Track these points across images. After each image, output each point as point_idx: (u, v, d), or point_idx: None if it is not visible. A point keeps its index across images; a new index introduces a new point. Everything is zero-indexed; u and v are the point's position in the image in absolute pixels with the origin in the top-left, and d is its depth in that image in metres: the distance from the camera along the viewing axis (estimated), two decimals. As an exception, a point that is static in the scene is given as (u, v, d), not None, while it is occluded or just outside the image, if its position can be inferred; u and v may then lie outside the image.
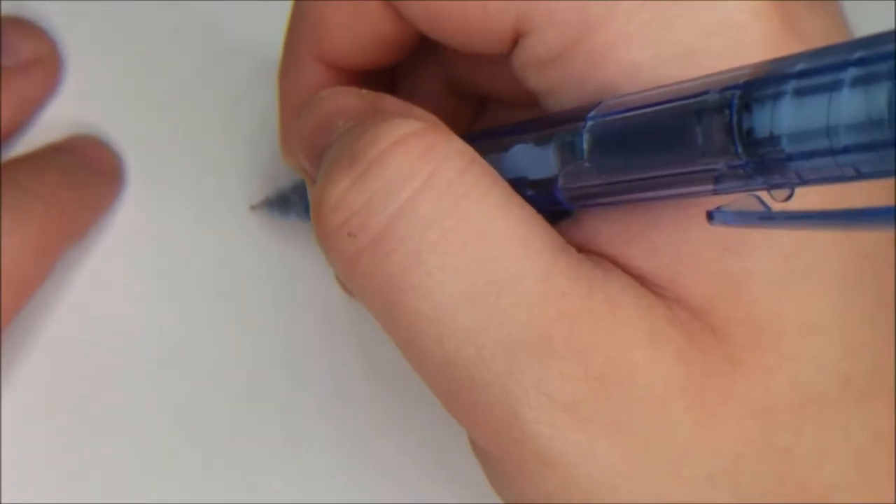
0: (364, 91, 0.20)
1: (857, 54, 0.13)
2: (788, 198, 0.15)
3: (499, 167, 0.19)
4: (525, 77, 0.20)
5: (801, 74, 0.14)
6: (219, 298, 0.29)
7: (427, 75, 0.25)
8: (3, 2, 0.29)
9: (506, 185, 0.18)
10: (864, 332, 0.19)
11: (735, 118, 0.15)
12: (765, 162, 0.14)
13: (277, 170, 0.28)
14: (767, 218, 0.15)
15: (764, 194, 0.15)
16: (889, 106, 0.12)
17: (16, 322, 0.27)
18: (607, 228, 0.19)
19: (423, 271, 0.18)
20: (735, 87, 0.15)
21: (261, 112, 0.29)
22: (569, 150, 0.18)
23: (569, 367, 0.17)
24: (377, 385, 0.28)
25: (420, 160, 0.18)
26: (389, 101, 0.20)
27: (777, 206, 0.15)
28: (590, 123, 0.17)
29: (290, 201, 0.27)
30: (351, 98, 0.20)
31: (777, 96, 0.14)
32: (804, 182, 0.14)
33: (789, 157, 0.14)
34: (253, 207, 0.29)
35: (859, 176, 0.13)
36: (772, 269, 0.18)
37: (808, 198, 0.15)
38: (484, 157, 0.19)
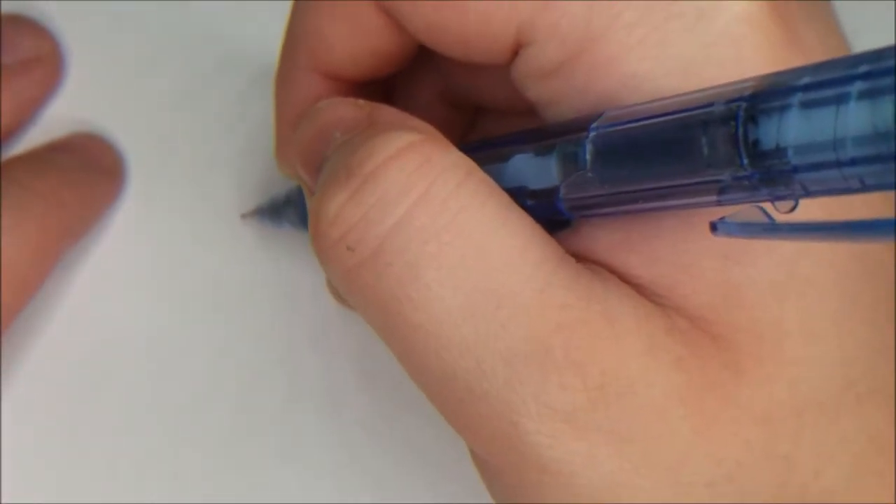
0: (362, 102, 0.20)
1: (863, 68, 0.13)
2: (792, 209, 0.15)
3: (498, 177, 0.19)
4: (524, 87, 0.20)
5: (807, 87, 0.14)
6: (219, 298, 0.29)
7: (422, 85, 0.25)
8: (4, 0, 0.29)
9: (504, 195, 0.18)
10: (864, 338, 0.19)
11: (741, 130, 0.15)
12: (770, 173, 0.14)
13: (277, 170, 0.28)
14: (771, 229, 0.15)
15: (767, 205, 0.15)
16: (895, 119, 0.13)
17: (16, 321, 0.27)
18: (607, 237, 0.19)
19: (421, 284, 0.18)
20: (740, 99, 0.15)
21: (261, 110, 0.29)
22: (571, 160, 0.18)
23: (568, 378, 0.17)
24: (371, 390, 0.28)
25: (416, 173, 0.18)
26: (387, 112, 0.20)
27: (781, 218, 0.15)
28: (592, 134, 0.17)
29: (283, 211, 0.27)
30: (349, 109, 0.20)
31: (783, 109, 0.14)
32: (809, 194, 0.14)
33: (795, 169, 0.14)
34: (244, 216, 0.29)
35: (864, 188, 0.14)
36: (772, 277, 0.18)
37: (810, 209, 0.15)
38: (483, 168, 0.19)
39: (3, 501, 0.27)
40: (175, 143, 0.29)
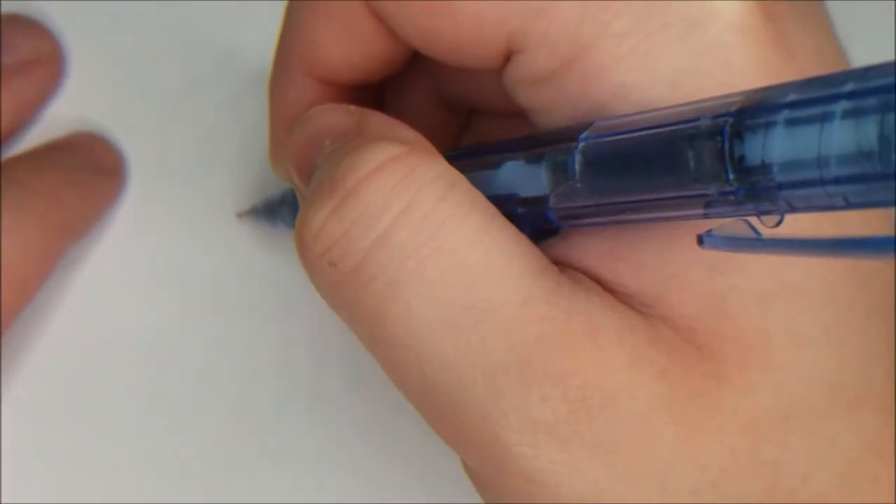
0: (352, 108, 0.20)
1: (848, 87, 0.13)
2: (778, 224, 0.15)
3: (489, 184, 0.19)
4: (515, 93, 0.20)
5: (792, 105, 0.14)
6: (218, 297, 0.29)
7: (415, 88, 0.25)
8: (4, 0, 0.29)
9: (488, 206, 0.18)
10: (854, 343, 0.19)
11: (727, 145, 0.15)
12: (755, 189, 0.15)
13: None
14: (757, 244, 0.15)
15: (754, 220, 0.15)
16: (879, 139, 0.13)
17: (16, 321, 0.27)
18: (595, 246, 0.19)
19: (401, 301, 0.18)
20: (727, 114, 0.15)
21: (260, 111, 0.29)
22: (560, 169, 0.18)
23: (548, 391, 0.18)
24: (366, 390, 0.28)
25: (398, 187, 0.18)
26: (376, 120, 0.20)
27: (767, 232, 0.15)
28: (582, 145, 0.17)
29: (278, 210, 0.27)
30: (340, 116, 0.20)
31: (769, 125, 0.14)
32: (794, 209, 0.14)
33: (780, 186, 0.14)
34: (239, 215, 0.29)
35: (848, 206, 0.14)
36: (759, 286, 0.18)
37: (799, 222, 0.15)
38: (474, 174, 0.19)
39: (3, 501, 0.27)
40: (174, 143, 0.29)
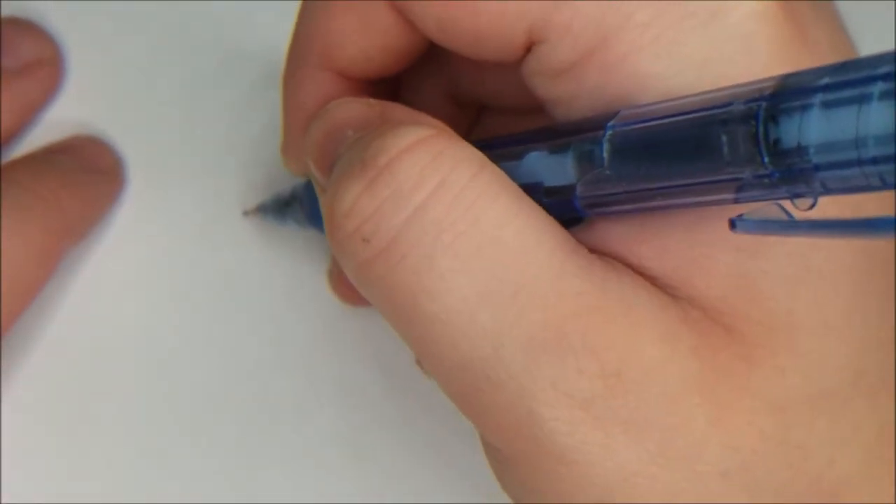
0: (373, 101, 0.20)
1: (883, 69, 0.14)
2: (811, 206, 0.15)
3: (513, 175, 0.19)
4: (535, 85, 0.21)
5: (827, 88, 0.14)
6: (220, 298, 0.29)
7: (426, 84, 0.25)
8: (3, 2, 0.29)
9: (516, 188, 0.18)
10: (875, 328, 0.19)
11: (762, 129, 0.15)
12: (791, 172, 0.15)
13: (279, 169, 0.28)
14: (790, 227, 0.15)
15: (786, 203, 0.16)
16: (917, 119, 0.13)
17: (16, 322, 0.27)
18: (620, 231, 0.19)
19: (436, 274, 0.18)
20: (761, 98, 0.15)
21: (262, 112, 0.29)
22: (587, 158, 0.18)
23: (585, 364, 0.18)
24: (377, 386, 0.29)
25: (431, 165, 0.18)
26: (399, 110, 0.20)
27: (799, 216, 0.15)
28: (609, 132, 0.18)
29: (287, 208, 0.27)
30: (361, 108, 0.20)
31: (805, 108, 0.14)
32: (828, 191, 0.15)
33: (817, 168, 0.14)
34: (246, 213, 0.29)
35: (884, 185, 0.14)
36: (785, 269, 0.19)
37: (822, 206, 0.16)
38: (496, 165, 0.19)
39: (3, 501, 0.27)
40: (175, 145, 0.29)
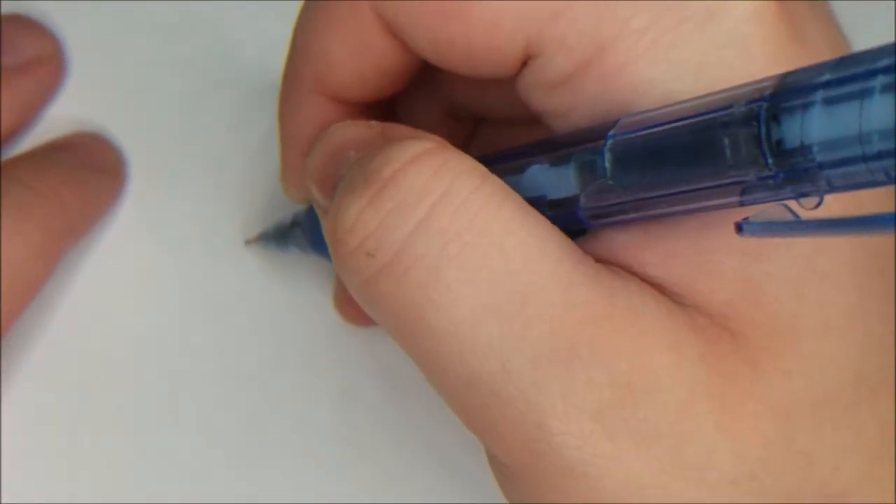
0: (373, 122, 0.20)
1: (883, 62, 0.13)
2: (818, 205, 0.15)
3: (515, 189, 0.19)
4: (532, 98, 0.20)
5: (828, 84, 0.14)
6: (220, 297, 0.29)
7: (421, 100, 0.25)
8: (4, 0, 0.29)
9: (520, 199, 0.18)
10: (877, 330, 0.19)
11: (764, 130, 0.15)
12: (795, 171, 0.15)
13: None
14: (797, 227, 0.15)
15: (792, 203, 0.15)
16: (922, 111, 0.13)
17: (17, 320, 0.27)
18: (624, 239, 0.19)
19: (442, 286, 0.18)
20: (761, 98, 0.15)
21: (264, 109, 0.29)
22: (588, 169, 0.18)
23: (595, 375, 0.18)
24: (378, 387, 0.29)
25: (434, 177, 0.18)
26: (400, 129, 0.20)
27: (805, 215, 0.15)
28: (610, 142, 0.17)
29: (290, 234, 0.27)
30: (362, 129, 0.20)
31: (806, 106, 0.14)
32: (833, 189, 0.15)
33: (821, 166, 0.14)
34: (248, 242, 0.29)
35: (889, 180, 0.14)
36: (790, 273, 0.18)
37: (830, 207, 0.15)
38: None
39: (3, 501, 0.27)
40: (176, 143, 0.29)
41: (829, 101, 0.14)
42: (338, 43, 0.21)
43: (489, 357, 0.18)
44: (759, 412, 0.18)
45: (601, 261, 0.19)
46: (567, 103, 0.20)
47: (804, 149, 0.14)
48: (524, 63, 0.20)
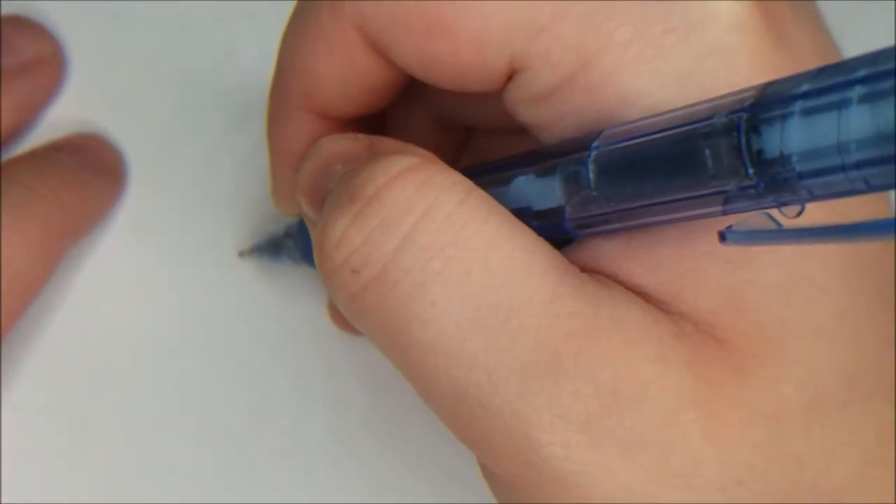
0: (360, 135, 0.21)
1: (861, 72, 0.14)
2: (799, 214, 0.15)
3: (501, 200, 0.19)
4: (518, 111, 0.21)
5: (807, 95, 0.14)
6: (220, 298, 0.29)
7: (411, 112, 0.25)
8: (4, 1, 0.29)
9: (505, 212, 0.19)
10: (868, 333, 0.19)
11: (744, 140, 0.15)
12: (776, 181, 0.15)
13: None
14: (780, 235, 0.15)
15: (774, 212, 0.16)
16: (897, 120, 0.13)
17: (17, 321, 0.27)
18: (609, 248, 0.19)
19: (427, 301, 0.18)
20: (741, 109, 0.15)
21: (261, 113, 0.29)
22: (573, 179, 0.18)
23: (580, 386, 0.18)
24: (373, 389, 0.29)
25: (418, 193, 0.18)
26: (386, 143, 0.20)
27: (787, 223, 0.16)
28: (594, 153, 0.18)
29: (283, 245, 0.27)
30: (348, 143, 0.20)
31: (785, 117, 0.14)
32: (814, 198, 0.15)
33: (801, 175, 0.14)
34: (241, 254, 0.29)
35: (869, 189, 0.14)
36: (775, 279, 0.18)
37: (812, 212, 0.16)
38: (485, 192, 0.19)
39: (3, 501, 0.27)
40: (175, 143, 0.30)
41: (807, 112, 0.14)
42: (323, 61, 0.22)
43: (475, 370, 0.18)
44: (747, 419, 0.18)
45: (587, 270, 0.19)
46: (553, 116, 0.20)
47: (784, 159, 0.14)
48: (510, 77, 0.20)
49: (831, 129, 0.14)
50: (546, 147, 0.20)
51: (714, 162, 0.15)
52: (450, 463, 0.28)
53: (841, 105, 0.14)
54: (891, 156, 0.13)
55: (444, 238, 0.18)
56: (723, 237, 0.16)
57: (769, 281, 0.19)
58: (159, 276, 0.29)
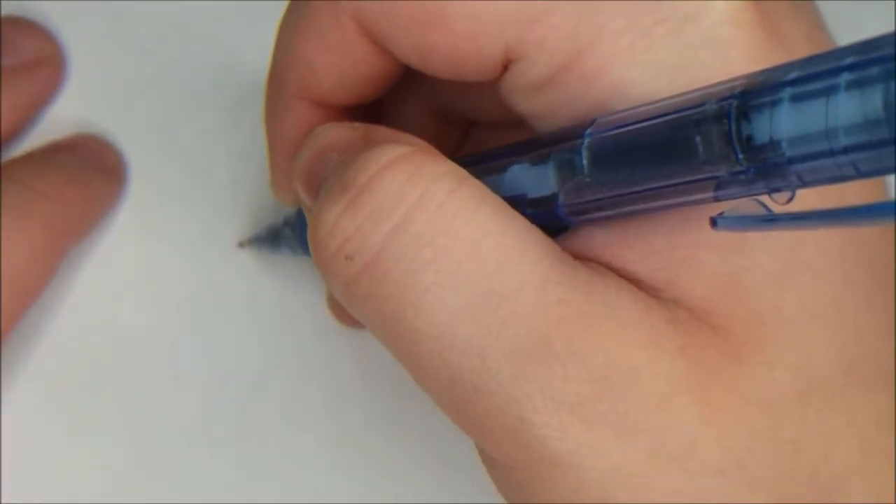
0: (357, 124, 0.21)
1: (849, 60, 0.14)
2: (789, 200, 0.15)
3: (496, 188, 0.19)
4: (514, 101, 0.21)
5: (796, 81, 0.14)
6: (220, 298, 0.29)
7: (412, 103, 0.26)
8: (4, 1, 0.29)
9: (498, 199, 0.19)
10: (864, 319, 0.19)
11: (734, 126, 0.15)
12: (766, 167, 0.15)
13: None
14: (770, 221, 0.16)
15: (765, 198, 0.16)
16: (885, 106, 0.13)
17: (18, 321, 0.27)
18: (603, 235, 0.19)
19: (420, 289, 0.18)
20: (731, 97, 0.15)
21: (261, 112, 0.29)
22: (567, 167, 0.18)
23: (572, 371, 0.18)
24: (373, 387, 0.29)
25: (409, 182, 0.18)
26: (382, 131, 0.21)
27: (778, 209, 0.16)
28: (588, 140, 0.18)
29: (282, 235, 0.27)
30: (344, 131, 0.21)
31: (774, 103, 0.15)
32: (804, 184, 0.15)
33: (790, 161, 0.14)
34: (241, 244, 0.29)
35: (858, 174, 0.14)
36: (770, 265, 0.19)
37: (805, 197, 0.16)
38: (480, 180, 0.19)
39: (3, 501, 0.27)
40: (175, 143, 0.30)
41: (796, 98, 0.14)
42: (320, 51, 0.22)
43: (468, 355, 0.18)
44: (742, 404, 0.18)
45: (580, 258, 0.19)
46: (549, 105, 0.20)
47: (773, 144, 0.15)
48: (505, 67, 0.20)
49: (820, 116, 0.14)
50: (541, 135, 0.20)
51: (705, 148, 0.16)
52: (449, 451, 0.28)
53: (829, 91, 0.14)
54: (878, 140, 0.13)
55: (436, 226, 0.18)
56: (714, 223, 0.16)
57: (764, 267, 0.19)
58: (160, 272, 0.29)
